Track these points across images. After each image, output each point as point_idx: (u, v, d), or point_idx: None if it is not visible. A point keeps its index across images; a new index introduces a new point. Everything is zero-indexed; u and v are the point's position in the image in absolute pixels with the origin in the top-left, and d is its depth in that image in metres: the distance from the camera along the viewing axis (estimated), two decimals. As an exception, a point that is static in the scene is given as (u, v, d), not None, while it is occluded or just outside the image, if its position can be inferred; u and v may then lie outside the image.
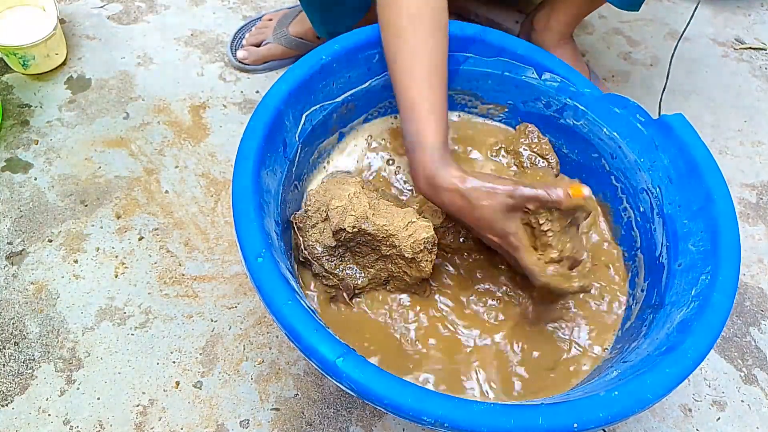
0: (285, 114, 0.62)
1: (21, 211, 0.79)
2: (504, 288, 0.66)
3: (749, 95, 1.03)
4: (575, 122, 0.72)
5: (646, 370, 0.49)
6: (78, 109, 0.90)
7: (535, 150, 0.74)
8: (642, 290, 0.65)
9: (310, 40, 0.93)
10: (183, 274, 0.76)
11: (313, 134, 0.67)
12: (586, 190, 0.56)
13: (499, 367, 0.61)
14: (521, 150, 0.74)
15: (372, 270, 0.63)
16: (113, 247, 0.77)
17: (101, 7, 1.03)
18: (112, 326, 0.71)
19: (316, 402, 0.68)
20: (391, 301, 0.64)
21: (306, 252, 0.63)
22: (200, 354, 0.70)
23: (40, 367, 0.68)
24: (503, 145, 0.76)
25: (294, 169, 0.65)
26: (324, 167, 0.72)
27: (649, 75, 1.04)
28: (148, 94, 0.92)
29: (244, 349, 0.71)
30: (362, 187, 0.63)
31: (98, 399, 0.67)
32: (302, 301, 0.51)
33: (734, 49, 1.10)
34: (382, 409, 0.47)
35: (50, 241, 0.77)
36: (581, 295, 0.65)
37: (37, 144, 0.85)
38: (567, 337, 0.64)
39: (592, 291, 0.66)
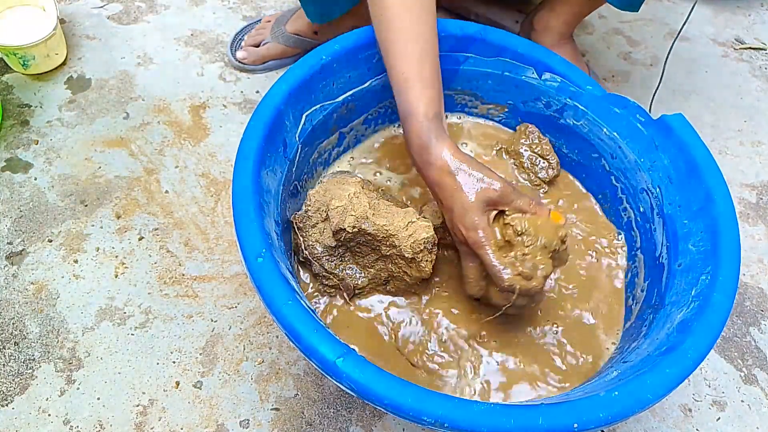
0: (285, 114, 0.62)
1: (21, 211, 0.79)
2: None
3: (749, 95, 1.03)
4: (575, 122, 0.72)
5: (646, 370, 0.49)
6: (78, 109, 0.90)
7: (535, 150, 0.74)
8: (642, 290, 0.65)
9: (307, 36, 0.93)
10: (183, 274, 0.76)
11: (313, 134, 0.67)
12: (563, 220, 0.56)
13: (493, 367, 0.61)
14: (521, 150, 0.74)
15: (372, 270, 0.63)
16: (113, 247, 0.77)
17: (101, 7, 1.03)
18: (112, 326, 0.71)
19: (316, 402, 0.68)
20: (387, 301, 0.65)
21: (306, 252, 0.63)
22: (200, 354, 0.70)
23: (40, 367, 0.68)
24: (503, 146, 0.76)
25: (294, 169, 0.65)
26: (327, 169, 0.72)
27: (649, 75, 1.04)
28: (148, 94, 0.92)
29: (244, 349, 0.71)
30: (362, 187, 0.63)
31: (98, 399, 0.67)
32: (302, 301, 0.51)
33: (734, 49, 1.10)
34: (382, 409, 0.47)
35: (50, 241, 0.77)
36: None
37: (37, 144, 0.86)
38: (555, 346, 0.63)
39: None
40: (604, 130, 0.69)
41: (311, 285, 0.64)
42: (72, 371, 0.68)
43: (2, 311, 0.72)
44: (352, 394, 0.47)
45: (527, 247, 0.54)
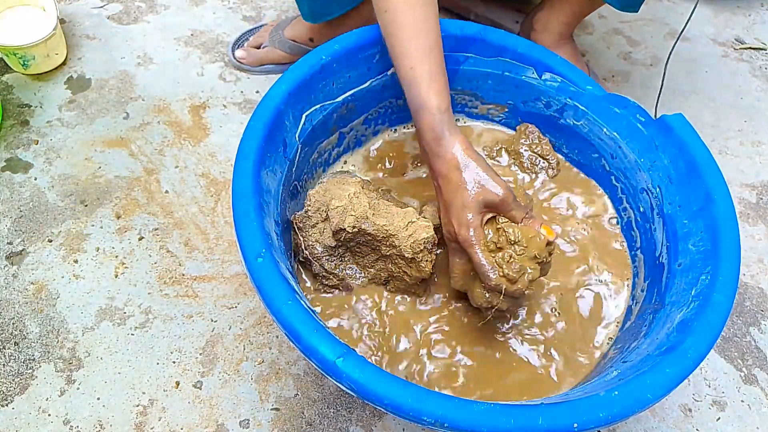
0: (285, 114, 0.62)
1: (21, 211, 0.79)
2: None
3: (749, 95, 1.03)
4: (575, 122, 0.72)
5: (646, 370, 0.49)
6: (78, 109, 0.90)
7: (535, 150, 0.74)
8: (642, 290, 0.65)
9: (303, 42, 0.93)
10: (183, 274, 0.76)
11: (313, 134, 0.67)
12: (554, 236, 0.57)
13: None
14: (521, 150, 0.74)
15: (372, 270, 0.63)
16: (113, 247, 0.77)
17: (101, 7, 1.03)
18: (112, 326, 0.71)
19: (316, 402, 0.68)
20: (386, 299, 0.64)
21: (306, 252, 0.63)
22: (200, 354, 0.70)
23: (40, 367, 0.68)
24: (503, 146, 0.76)
25: (294, 169, 0.65)
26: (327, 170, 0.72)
27: (649, 75, 1.04)
28: (148, 94, 0.92)
29: (244, 349, 0.71)
30: (362, 187, 0.63)
31: (98, 399, 0.67)
32: (302, 301, 0.51)
33: (734, 49, 1.10)
34: (382, 409, 0.47)
35: (50, 241, 0.77)
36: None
37: (37, 144, 0.86)
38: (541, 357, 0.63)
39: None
40: (604, 130, 0.69)
41: (311, 285, 0.64)
42: (72, 371, 0.68)
43: (2, 311, 0.72)
44: (352, 394, 0.47)
45: (518, 255, 0.55)
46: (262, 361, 0.70)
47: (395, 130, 0.77)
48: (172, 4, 1.04)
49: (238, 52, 0.95)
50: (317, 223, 0.62)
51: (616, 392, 0.48)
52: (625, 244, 0.70)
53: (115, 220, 0.79)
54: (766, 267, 0.83)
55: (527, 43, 0.71)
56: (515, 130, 0.77)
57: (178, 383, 0.68)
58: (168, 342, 0.71)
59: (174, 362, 0.69)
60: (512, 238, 0.55)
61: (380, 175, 0.73)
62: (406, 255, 0.59)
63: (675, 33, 1.11)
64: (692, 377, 0.72)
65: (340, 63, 0.67)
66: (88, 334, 0.71)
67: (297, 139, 0.64)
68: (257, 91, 0.94)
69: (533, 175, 0.74)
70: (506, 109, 0.76)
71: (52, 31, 0.88)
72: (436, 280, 0.65)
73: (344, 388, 0.47)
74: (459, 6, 1.07)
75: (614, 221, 0.72)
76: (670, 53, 0.72)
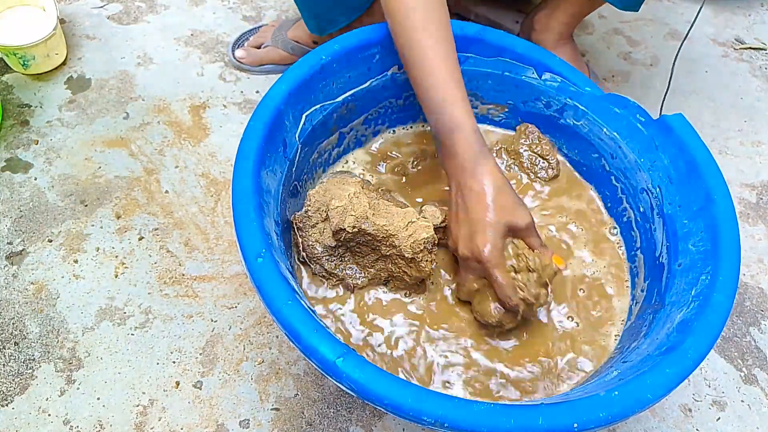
0: (285, 114, 0.62)
1: (21, 211, 0.79)
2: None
3: (749, 95, 1.03)
4: (575, 122, 0.72)
5: (646, 370, 0.49)
6: (78, 109, 0.90)
7: (535, 150, 0.74)
8: (642, 290, 0.65)
9: (307, 44, 0.93)
10: (183, 274, 0.76)
11: (313, 134, 0.67)
12: (563, 265, 0.62)
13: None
14: (521, 150, 0.74)
15: (372, 270, 0.63)
16: (113, 247, 0.77)
17: (101, 7, 1.03)
18: (112, 326, 0.71)
19: (316, 402, 0.68)
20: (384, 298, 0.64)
21: (306, 252, 0.63)
22: (200, 354, 0.70)
23: (40, 367, 0.68)
24: (503, 146, 0.76)
25: (294, 169, 0.65)
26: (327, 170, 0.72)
27: (649, 75, 1.04)
28: (148, 94, 0.92)
29: (244, 349, 0.71)
30: (362, 187, 0.63)
31: (98, 399, 0.67)
32: (302, 301, 0.51)
33: (734, 49, 1.10)
34: (382, 409, 0.47)
35: (50, 241, 0.77)
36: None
37: (37, 144, 0.86)
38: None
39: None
40: (604, 130, 0.69)
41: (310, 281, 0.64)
42: (72, 371, 0.68)
43: (2, 311, 0.72)
44: (352, 394, 0.47)
45: (534, 282, 0.58)
46: (262, 361, 0.70)
47: (395, 130, 0.77)
48: (172, 4, 1.04)
49: (238, 52, 0.95)
50: (317, 223, 0.62)
51: (617, 392, 0.48)
52: (624, 244, 0.70)
53: (115, 220, 0.79)
54: (766, 267, 0.83)
55: (527, 43, 0.71)
56: (515, 130, 0.77)
57: (178, 383, 0.68)
58: (168, 342, 0.71)
59: (174, 362, 0.69)
60: (531, 265, 0.58)
61: (380, 175, 0.73)
62: (406, 255, 0.59)
63: (675, 33, 1.11)
64: (692, 377, 0.72)
65: (340, 63, 0.67)
66: (88, 334, 0.71)
67: (297, 139, 0.64)
68: (257, 91, 0.94)
69: (533, 175, 0.74)
70: (506, 109, 0.76)
71: (52, 31, 0.88)
72: (432, 285, 0.66)
73: (344, 388, 0.47)
74: (459, 6, 1.07)
75: (614, 221, 0.72)
76: (676, 56, 0.72)
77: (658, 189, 0.65)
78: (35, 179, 0.82)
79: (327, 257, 0.62)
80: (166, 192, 0.83)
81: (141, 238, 0.78)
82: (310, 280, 0.64)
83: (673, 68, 0.71)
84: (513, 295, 0.57)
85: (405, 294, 0.64)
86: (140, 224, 0.79)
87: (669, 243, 0.63)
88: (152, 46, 0.98)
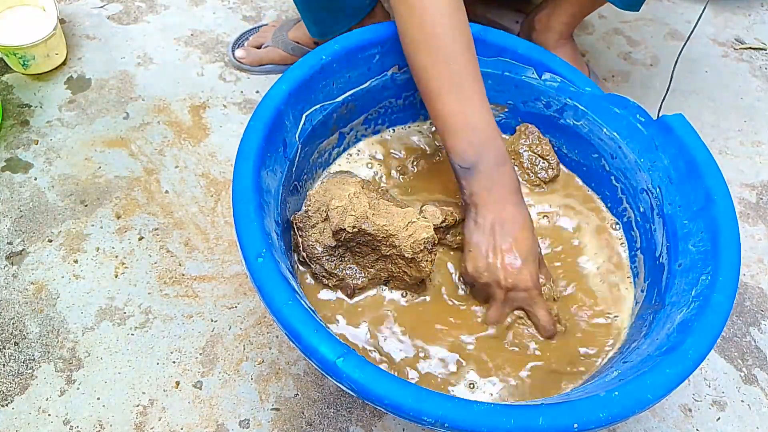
0: (285, 114, 0.62)
1: (21, 211, 0.79)
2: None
3: (749, 95, 1.03)
4: (575, 122, 0.72)
5: (646, 371, 0.49)
6: (78, 109, 0.90)
7: (535, 150, 0.74)
8: (642, 290, 0.65)
9: (308, 45, 0.93)
10: (183, 274, 0.76)
11: (313, 134, 0.67)
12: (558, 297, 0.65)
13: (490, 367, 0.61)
14: (521, 150, 0.74)
15: (372, 270, 0.63)
16: (113, 247, 0.77)
17: (101, 7, 1.03)
18: (112, 326, 0.71)
19: (316, 402, 0.68)
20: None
21: (306, 252, 0.63)
22: (200, 354, 0.70)
23: (40, 367, 0.68)
24: (503, 145, 0.76)
25: (294, 169, 0.65)
26: (327, 169, 0.72)
27: (649, 75, 1.04)
28: (148, 94, 0.92)
29: (244, 349, 0.71)
30: (362, 187, 0.63)
31: (98, 399, 0.67)
32: (302, 301, 0.51)
33: (734, 49, 1.10)
34: (382, 409, 0.47)
35: (50, 241, 0.77)
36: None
37: (37, 144, 0.86)
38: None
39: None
40: (604, 130, 0.69)
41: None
42: (72, 371, 0.68)
43: (2, 311, 0.72)
44: (352, 394, 0.47)
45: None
46: (262, 361, 0.70)
47: (394, 129, 0.77)
48: (172, 4, 1.04)
49: (238, 52, 0.95)
50: (317, 223, 0.62)
51: (617, 392, 0.47)
52: (625, 244, 0.70)
53: (115, 220, 0.79)
54: (766, 267, 0.83)
55: (527, 43, 0.71)
56: (515, 130, 0.77)
57: (178, 383, 0.68)
58: (168, 342, 0.71)
59: (174, 362, 0.69)
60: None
61: (386, 166, 0.73)
62: (406, 255, 0.59)
63: (675, 33, 1.11)
64: (692, 377, 0.72)
65: (340, 63, 0.67)
66: (88, 334, 0.71)
67: (297, 139, 0.64)
68: (257, 91, 0.94)
69: (533, 176, 0.74)
70: (506, 110, 0.76)
71: (52, 31, 0.88)
72: (432, 282, 0.66)
73: (344, 388, 0.47)
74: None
75: (614, 221, 0.72)
76: (678, 58, 0.72)
77: (658, 189, 0.65)
78: (35, 179, 0.82)
79: (327, 257, 0.62)
80: (166, 192, 0.83)
81: (141, 238, 0.78)
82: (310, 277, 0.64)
83: (673, 70, 0.71)
84: (552, 327, 0.61)
85: (404, 294, 0.64)
86: (140, 224, 0.79)
87: (669, 243, 0.63)
88: (152, 46, 0.98)
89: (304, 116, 0.65)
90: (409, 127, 0.77)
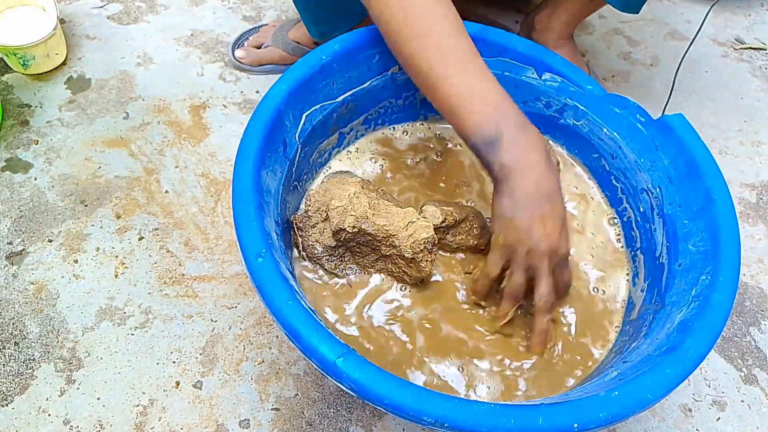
0: (285, 114, 0.62)
1: (21, 211, 0.79)
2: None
3: (749, 95, 1.03)
4: (575, 122, 0.72)
5: (646, 371, 0.49)
6: (78, 109, 0.90)
7: (535, 150, 0.73)
8: (642, 290, 0.65)
9: (308, 45, 0.93)
10: (183, 274, 0.76)
11: (313, 134, 0.67)
12: None
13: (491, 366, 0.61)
14: (521, 150, 0.74)
15: (372, 270, 0.63)
16: (113, 247, 0.77)
17: (101, 7, 1.03)
18: (112, 326, 0.71)
19: (316, 402, 0.68)
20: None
21: (306, 252, 0.63)
22: (200, 354, 0.70)
23: (40, 367, 0.68)
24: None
25: (294, 169, 0.65)
26: (327, 169, 0.72)
27: (649, 75, 1.04)
28: (148, 94, 0.92)
29: (244, 349, 0.71)
30: (362, 187, 0.63)
31: (98, 399, 0.67)
32: (302, 301, 0.51)
33: (734, 49, 1.10)
34: (382, 409, 0.47)
35: (50, 241, 0.77)
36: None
37: (37, 144, 0.86)
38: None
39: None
40: (604, 130, 0.69)
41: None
42: (72, 371, 0.68)
43: (2, 311, 0.72)
44: (352, 394, 0.47)
45: None
46: (262, 361, 0.70)
47: (395, 129, 0.77)
48: (172, 4, 1.04)
49: (238, 52, 0.95)
50: (317, 223, 0.62)
51: (617, 392, 0.47)
52: (624, 244, 0.70)
53: (115, 220, 0.79)
54: (766, 267, 0.83)
55: (527, 43, 0.71)
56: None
57: (178, 383, 0.68)
58: (168, 342, 0.71)
59: (174, 362, 0.69)
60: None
61: (386, 166, 0.73)
62: (406, 255, 0.59)
63: (675, 33, 1.11)
64: (692, 377, 0.72)
65: (340, 63, 0.67)
66: (88, 334, 0.71)
67: (297, 139, 0.64)
68: (257, 91, 0.94)
69: None
70: (506, 109, 0.76)
71: (52, 31, 0.88)
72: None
73: (344, 388, 0.47)
74: (459, 6, 1.07)
75: (613, 221, 0.72)
76: (681, 61, 0.72)
77: (658, 189, 0.65)
78: (35, 179, 0.82)
79: (327, 257, 0.62)
80: (166, 192, 0.83)
81: (141, 238, 0.78)
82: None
83: (677, 71, 0.71)
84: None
85: (404, 293, 0.64)
86: (140, 224, 0.79)
87: (669, 243, 0.63)
88: (152, 46, 0.98)
89: (304, 116, 0.65)
90: (410, 127, 0.77)
